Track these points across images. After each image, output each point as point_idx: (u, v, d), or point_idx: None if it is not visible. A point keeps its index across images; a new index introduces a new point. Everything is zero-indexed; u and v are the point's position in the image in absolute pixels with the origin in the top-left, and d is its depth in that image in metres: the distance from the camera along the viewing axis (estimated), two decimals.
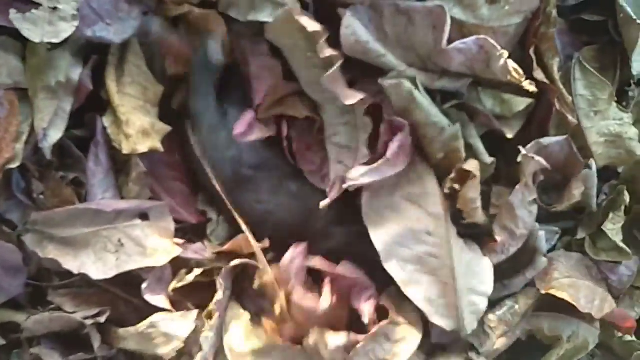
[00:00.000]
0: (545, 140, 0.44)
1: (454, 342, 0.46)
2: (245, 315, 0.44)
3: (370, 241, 0.42)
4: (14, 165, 0.40)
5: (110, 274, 0.42)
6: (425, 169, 0.43)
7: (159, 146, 0.42)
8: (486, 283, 0.43)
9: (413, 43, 0.41)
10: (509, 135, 0.45)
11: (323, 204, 0.41)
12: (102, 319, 0.44)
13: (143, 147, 0.41)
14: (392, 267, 0.42)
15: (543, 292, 0.46)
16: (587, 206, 0.49)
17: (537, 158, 0.41)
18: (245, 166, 0.45)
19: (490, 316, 0.45)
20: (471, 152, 0.43)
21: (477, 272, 0.43)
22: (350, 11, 0.40)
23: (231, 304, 0.45)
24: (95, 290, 0.45)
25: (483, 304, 0.43)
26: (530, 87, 0.40)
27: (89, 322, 0.43)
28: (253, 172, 0.45)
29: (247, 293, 0.46)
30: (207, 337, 0.41)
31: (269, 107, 0.47)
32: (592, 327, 0.50)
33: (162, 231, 0.43)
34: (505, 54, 0.39)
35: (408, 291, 0.42)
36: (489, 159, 0.44)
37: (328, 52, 0.39)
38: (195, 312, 0.43)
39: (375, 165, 0.40)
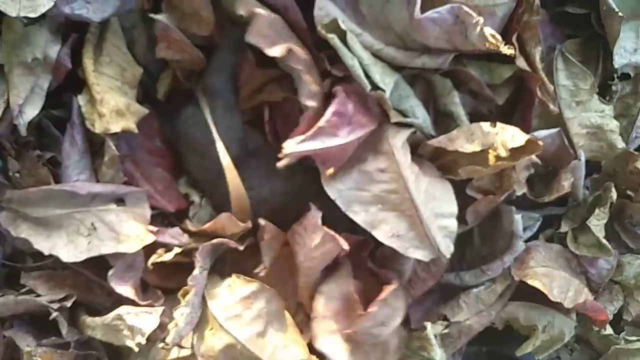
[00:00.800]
0: (540, 134, 0.44)
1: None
2: (228, 279, 0.44)
3: None
4: None
5: (80, 257, 0.41)
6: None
7: (133, 127, 0.42)
8: (450, 203, 0.42)
9: (389, 21, 0.41)
10: (500, 102, 0.45)
11: (279, 164, 0.39)
12: (69, 304, 0.43)
13: (116, 127, 0.41)
14: (355, 213, 0.41)
15: (516, 279, 0.46)
16: (574, 197, 0.49)
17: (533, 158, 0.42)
18: (246, 150, 0.46)
19: (467, 292, 0.46)
20: (452, 119, 0.43)
21: (438, 195, 0.42)
22: None
23: (211, 278, 0.45)
24: (68, 272, 0.45)
25: (453, 225, 0.42)
26: (509, 51, 0.39)
27: (55, 305, 0.43)
28: (251, 156, 0.46)
29: (226, 270, 0.46)
30: (183, 313, 0.40)
31: (249, 96, 0.47)
32: (567, 318, 0.50)
33: (137, 217, 0.43)
34: (481, 20, 0.38)
35: (376, 233, 0.41)
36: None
37: (246, 8, 0.39)
38: (161, 308, 0.43)
39: (309, 133, 0.39)
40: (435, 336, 0.45)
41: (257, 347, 0.42)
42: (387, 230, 0.41)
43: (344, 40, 0.40)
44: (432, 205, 0.41)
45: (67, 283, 0.45)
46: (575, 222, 0.50)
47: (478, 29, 0.38)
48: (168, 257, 0.43)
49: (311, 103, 0.40)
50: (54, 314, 0.43)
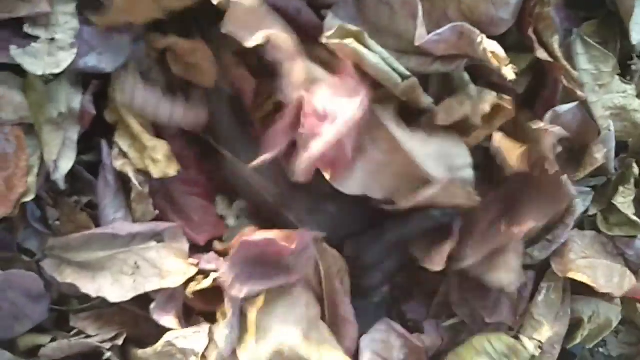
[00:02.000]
0: (560, 109, 0.44)
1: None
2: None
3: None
4: (28, 199, 0.41)
5: (127, 296, 0.42)
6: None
7: (179, 167, 0.44)
8: (462, 155, 0.42)
9: (399, 31, 0.41)
10: (519, 91, 0.45)
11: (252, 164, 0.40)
12: (120, 341, 0.44)
13: (172, 171, 0.43)
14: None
15: (561, 275, 0.46)
16: (606, 172, 0.48)
17: (556, 128, 0.41)
18: (285, 186, 0.45)
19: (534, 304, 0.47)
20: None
21: (449, 151, 0.42)
22: (333, 11, 0.40)
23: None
24: (115, 310, 0.46)
25: (469, 174, 0.42)
26: (510, 74, 0.39)
27: (107, 345, 0.44)
28: (295, 190, 0.45)
29: None
30: (223, 334, 0.41)
31: (258, 105, 0.47)
32: (612, 305, 0.49)
33: (176, 252, 0.44)
34: (484, 37, 0.38)
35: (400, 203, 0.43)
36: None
37: None
38: (207, 326, 0.43)
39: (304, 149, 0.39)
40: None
41: (304, 351, 0.42)
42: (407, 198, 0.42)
43: (360, 41, 0.39)
44: (445, 161, 0.42)
45: (115, 320, 0.46)
46: (603, 204, 0.50)
47: (482, 47, 0.38)
48: (207, 283, 0.44)
49: (294, 94, 0.39)
50: (107, 355, 0.44)
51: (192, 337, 0.42)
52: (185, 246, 0.44)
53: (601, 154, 0.46)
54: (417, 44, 0.39)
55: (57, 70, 0.38)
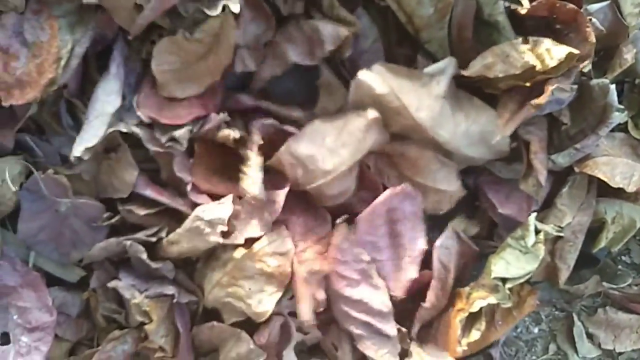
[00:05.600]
0: (592, 8, 0.43)
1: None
2: None
3: None
4: (52, 88, 0.40)
5: None
6: None
7: None
8: (490, 123, 0.43)
9: None
10: None
11: None
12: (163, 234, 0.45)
13: None
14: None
15: (577, 170, 0.46)
16: (636, 73, 0.48)
17: (594, 20, 0.41)
18: None
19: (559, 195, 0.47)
20: (497, 29, 0.43)
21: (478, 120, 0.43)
22: None
23: None
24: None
25: (505, 143, 0.44)
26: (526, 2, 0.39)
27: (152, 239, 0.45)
28: None
29: None
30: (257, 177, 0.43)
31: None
32: (636, 206, 0.49)
33: None
34: None
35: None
36: (513, 36, 0.43)
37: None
38: (230, 196, 0.44)
39: None
40: (539, 231, 0.46)
41: None
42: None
43: None
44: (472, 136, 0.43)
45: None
46: (633, 109, 0.50)
47: None
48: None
49: None
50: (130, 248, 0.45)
51: (217, 208, 0.43)
52: None
53: (631, 54, 0.46)
54: None
55: None
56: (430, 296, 0.47)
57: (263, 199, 0.43)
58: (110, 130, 0.42)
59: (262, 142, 0.45)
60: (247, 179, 0.43)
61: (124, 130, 0.42)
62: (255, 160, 0.44)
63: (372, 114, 0.43)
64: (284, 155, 0.45)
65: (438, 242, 0.48)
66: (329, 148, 0.44)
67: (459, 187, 0.47)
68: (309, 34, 0.44)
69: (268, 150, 0.45)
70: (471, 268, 0.51)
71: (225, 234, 0.44)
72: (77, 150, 0.40)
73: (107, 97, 0.42)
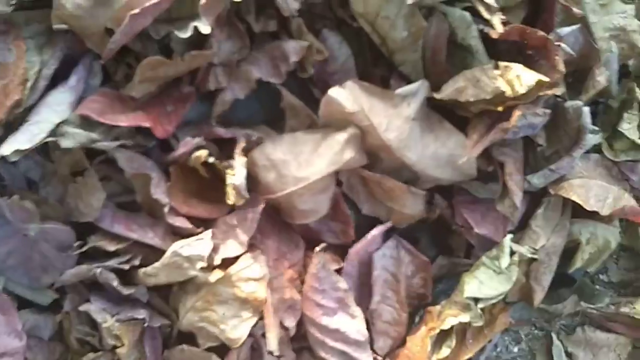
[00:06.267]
0: (562, 31, 0.44)
1: None
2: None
3: None
4: (18, 110, 0.40)
5: None
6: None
7: None
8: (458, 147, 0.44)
9: None
10: (516, 22, 0.44)
11: None
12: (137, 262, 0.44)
13: None
14: None
15: (552, 192, 0.46)
16: (609, 95, 0.48)
17: (563, 45, 0.41)
18: None
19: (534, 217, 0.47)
20: (470, 53, 0.43)
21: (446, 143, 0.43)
22: None
23: None
24: None
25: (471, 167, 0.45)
26: (499, 27, 0.39)
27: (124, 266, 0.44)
28: None
29: None
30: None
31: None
32: (610, 227, 0.50)
33: None
34: None
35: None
36: (486, 59, 0.43)
37: None
38: (209, 231, 0.44)
39: None
40: (514, 252, 0.46)
41: None
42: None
43: None
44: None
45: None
46: (607, 130, 0.50)
47: None
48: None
49: None
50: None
51: (196, 244, 0.43)
52: None
53: (604, 77, 0.46)
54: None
55: None
56: (376, 300, 0.48)
57: (246, 196, 0.43)
58: (49, 139, 0.40)
59: (245, 144, 0.45)
60: (231, 176, 0.43)
61: (64, 145, 0.40)
62: (240, 160, 0.44)
63: (352, 130, 0.44)
64: (259, 156, 0.45)
65: (380, 251, 0.48)
66: (304, 156, 0.44)
67: (422, 210, 0.48)
68: (272, 53, 0.44)
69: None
70: (435, 283, 0.51)
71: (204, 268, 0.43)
72: (7, 149, 0.38)
73: (56, 106, 0.40)
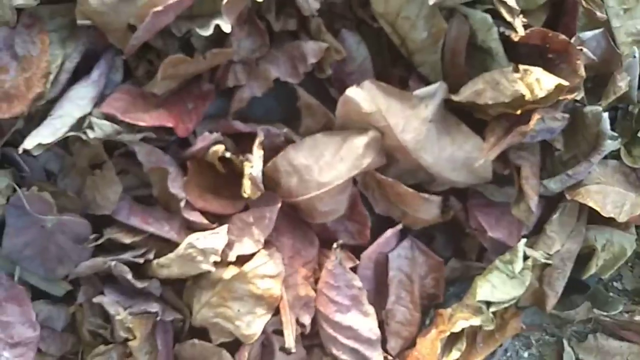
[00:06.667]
0: (584, 35, 0.43)
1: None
2: None
3: None
4: (40, 103, 0.40)
5: None
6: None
7: None
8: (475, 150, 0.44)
9: None
10: (537, 25, 0.44)
11: None
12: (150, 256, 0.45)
13: None
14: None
15: (569, 198, 0.46)
16: (629, 100, 0.48)
17: (585, 50, 0.40)
18: None
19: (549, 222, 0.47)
20: (490, 56, 0.43)
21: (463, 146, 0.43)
22: None
23: None
24: None
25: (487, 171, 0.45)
26: (520, 29, 0.39)
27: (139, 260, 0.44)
28: None
29: None
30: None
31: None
32: (626, 233, 0.49)
33: None
34: None
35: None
36: (506, 62, 0.43)
37: None
38: (225, 226, 0.44)
39: None
40: (527, 257, 0.46)
41: None
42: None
43: None
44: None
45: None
46: (626, 136, 0.49)
47: None
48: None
49: None
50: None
51: (212, 238, 0.43)
52: None
53: (625, 82, 0.46)
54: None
55: None
56: (391, 301, 0.48)
57: (262, 189, 0.43)
58: (70, 134, 0.40)
59: (263, 138, 0.45)
60: (249, 168, 0.43)
61: (84, 137, 0.40)
62: (258, 152, 0.44)
63: (372, 133, 0.44)
64: (282, 162, 0.45)
65: (395, 252, 0.48)
66: (326, 161, 0.44)
67: (437, 215, 0.48)
68: (290, 53, 0.44)
69: (265, 160, 0.45)
70: (447, 286, 0.51)
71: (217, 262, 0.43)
72: (30, 143, 0.39)
73: (79, 101, 0.41)
